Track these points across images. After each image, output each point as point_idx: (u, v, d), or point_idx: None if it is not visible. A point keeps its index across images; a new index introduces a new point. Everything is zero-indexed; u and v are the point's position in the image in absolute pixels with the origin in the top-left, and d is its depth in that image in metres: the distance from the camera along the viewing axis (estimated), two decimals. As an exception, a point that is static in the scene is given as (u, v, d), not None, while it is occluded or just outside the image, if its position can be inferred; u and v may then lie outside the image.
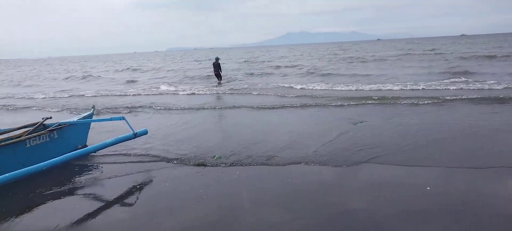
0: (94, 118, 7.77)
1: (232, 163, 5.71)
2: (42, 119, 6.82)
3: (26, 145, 5.88)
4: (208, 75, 23.55)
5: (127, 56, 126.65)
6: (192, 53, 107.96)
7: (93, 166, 6.10)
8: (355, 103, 10.77)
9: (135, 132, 6.10)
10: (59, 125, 6.61)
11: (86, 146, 7.24)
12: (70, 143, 6.84)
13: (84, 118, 7.26)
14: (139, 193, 4.80)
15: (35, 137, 6.04)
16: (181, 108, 11.68)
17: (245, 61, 39.19)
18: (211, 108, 11.47)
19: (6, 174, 4.20)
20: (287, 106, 10.88)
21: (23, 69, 53.11)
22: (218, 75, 20.10)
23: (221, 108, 11.41)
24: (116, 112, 11.47)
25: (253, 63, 35.39)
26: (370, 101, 10.89)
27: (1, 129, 6.51)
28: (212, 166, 5.67)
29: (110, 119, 6.49)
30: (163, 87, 19.11)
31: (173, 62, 50.97)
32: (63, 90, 20.62)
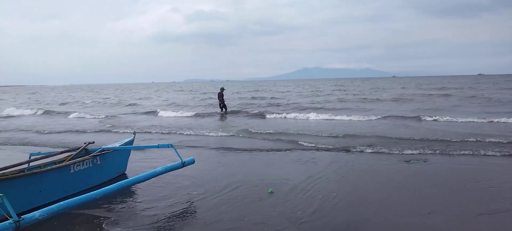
0: (137, 144, 7.46)
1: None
2: (85, 143, 6.55)
3: (70, 170, 5.56)
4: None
5: (144, 85, 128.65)
6: (207, 85, 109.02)
7: (133, 194, 5.71)
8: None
9: (183, 160, 5.72)
10: (102, 150, 6.31)
11: (125, 173, 6.91)
12: (112, 169, 6.51)
13: (125, 144, 6.96)
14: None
15: (79, 162, 5.73)
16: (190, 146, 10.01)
17: (252, 97, 34.86)
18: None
19: (60, 203, 3.82)
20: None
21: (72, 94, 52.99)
22: (222, 105, 19.63)
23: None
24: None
25: (260, 99, 31.50)
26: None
27: (44, 152, 6.24)
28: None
29: (158, 146, 6.15)
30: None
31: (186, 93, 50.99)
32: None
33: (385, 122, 14.27)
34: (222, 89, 19.81)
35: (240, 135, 11.71)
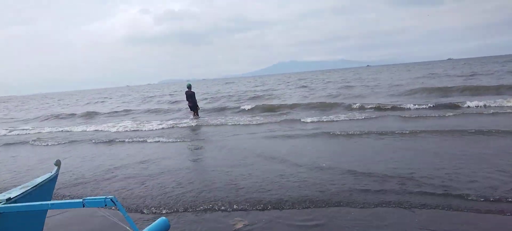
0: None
1: None
2: None
3: None
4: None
5: (120, 89, 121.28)
6: (183, 84, 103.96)
7: None
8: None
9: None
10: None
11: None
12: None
13: (38, 185, 3.40)
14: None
15: None
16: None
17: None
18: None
19: None
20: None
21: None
22: (193, 107, 15.66)
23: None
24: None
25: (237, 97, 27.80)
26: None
27: None
28: None
29: (82, 204, 2.49)
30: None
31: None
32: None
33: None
34: (190, 86, 15.30)
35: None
